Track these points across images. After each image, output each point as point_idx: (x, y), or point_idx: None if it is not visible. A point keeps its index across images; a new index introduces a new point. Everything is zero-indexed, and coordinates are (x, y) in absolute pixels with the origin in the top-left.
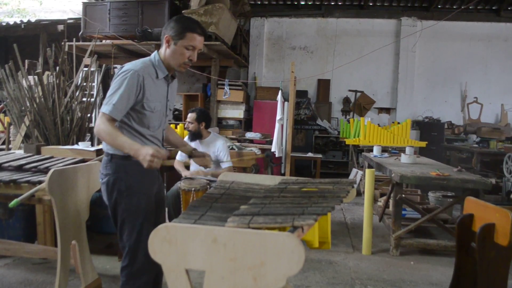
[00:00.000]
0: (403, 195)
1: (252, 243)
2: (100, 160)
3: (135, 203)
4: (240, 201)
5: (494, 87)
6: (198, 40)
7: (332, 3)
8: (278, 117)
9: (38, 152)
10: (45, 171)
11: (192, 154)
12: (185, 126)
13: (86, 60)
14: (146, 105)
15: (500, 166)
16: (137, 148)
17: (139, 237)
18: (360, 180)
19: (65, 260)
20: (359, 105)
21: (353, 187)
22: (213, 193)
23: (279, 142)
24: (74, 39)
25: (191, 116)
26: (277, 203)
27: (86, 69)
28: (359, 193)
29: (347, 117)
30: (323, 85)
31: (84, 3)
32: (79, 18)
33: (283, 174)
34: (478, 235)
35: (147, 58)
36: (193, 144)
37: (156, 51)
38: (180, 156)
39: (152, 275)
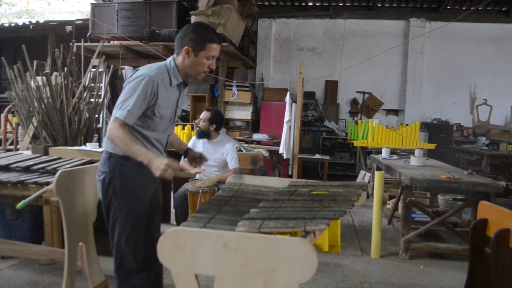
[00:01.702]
0: (413, 198)
1: (263, 248)
2: None
3: (128, 204)
4: (250, 204)
5: (504, 89)
6: (217, 49)
7: (340, 4)
8: (286, 118)
9: (46, 153)
10: (52, 172)
11: (187, 153)
12: (196, 121)
13: (94, 61)
14: (156, 111)
15: (510, 169)
16: (152, 157)
17: (129, 239)
18: (368, 182)
19: (72, 262)
20: (367, 106)
21: (364, 190)
22: (222, 195)
23: (287, 144)
24: (82, 40)
25: (205, 114)
26: (288, 206)
27: (94, 70)
28: (367, 195)
29: (355, 118)
30: (331, 87)
31: (92, 4)
32: (87, 19)
33: (291, 176)
34: (493, 241)
35: (163, 63)
36: (200, 142)
37: (172, 57)
38: None
39: (145, 273)
